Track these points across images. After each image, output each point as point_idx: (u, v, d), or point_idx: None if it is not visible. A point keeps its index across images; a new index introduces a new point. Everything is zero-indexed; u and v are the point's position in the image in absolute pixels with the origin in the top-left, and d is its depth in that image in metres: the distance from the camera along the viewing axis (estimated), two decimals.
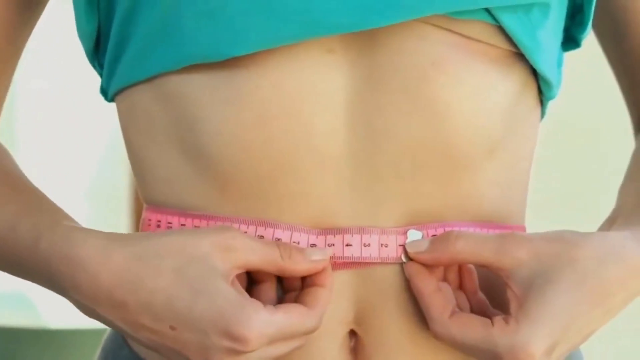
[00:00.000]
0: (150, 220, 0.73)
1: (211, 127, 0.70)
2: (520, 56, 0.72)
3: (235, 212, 0.70)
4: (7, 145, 0.81)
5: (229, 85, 0.69)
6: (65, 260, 0.68)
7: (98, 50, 0.77)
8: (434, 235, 0.70)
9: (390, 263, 0.70)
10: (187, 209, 0.72)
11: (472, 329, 0.67)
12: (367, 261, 0.70)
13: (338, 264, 0.70)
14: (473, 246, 0.68)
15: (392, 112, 0.69)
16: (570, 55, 0.82)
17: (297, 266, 0.68)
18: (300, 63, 0.68)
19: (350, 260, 0.70)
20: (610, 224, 0.77)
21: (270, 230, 0.69)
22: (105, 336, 0.82)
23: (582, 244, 0.68)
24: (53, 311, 2.58)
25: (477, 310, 0.72)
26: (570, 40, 0.79)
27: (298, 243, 0.69)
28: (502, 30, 0.70)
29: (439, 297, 0.69)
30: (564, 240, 0.68)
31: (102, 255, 0.67)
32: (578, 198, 2.28)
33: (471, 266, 0.72)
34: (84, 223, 0.73)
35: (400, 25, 0.68)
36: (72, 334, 2.45)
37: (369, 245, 0.70)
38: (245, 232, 0.69)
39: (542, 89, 0.76)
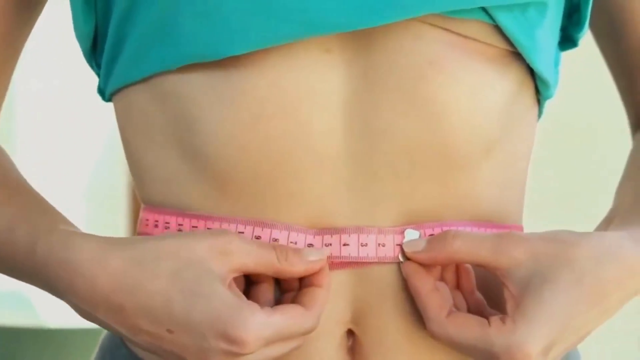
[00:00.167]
0: (147, 220, 0.73)
1: (208, 127, 0.70)
2: (517, 55, 0.72)
3: (232, 212, 0.70)
4: (5, 146, 0.81)
5: (226, 84, 0.69)
6: (63, 265, 0.68)
7: (95, 50, 0.77)
8: (432, 235, 0.70)
9: (388, 262, 0.70)
10: (185, 208, 0.72)
11: (469, 328, 0.67)
12: (365, 261, 0.70)
13: (335, 263, 0.70)
14: (470, 246, 0.68)
15: (389, 112, 0.69)
16: (567, 55, 0.82)
17: (294, 268, 0.68)
18: (297, 63, 0.68)
19: (347, 260, 0.70)
20: (607, 223, 0.77)
21: (267, 231, 0.69)
22: (102, 335, 0.82)
23: (579, 244, 0.68)
24: (51, 310, 2.58)
25: (474, 310, 0.72)
26: (567, 40, 0.79)
27: (295, 243, 0.69)
28: (498, 29, 0.70)
29: (436, 297, 0.69)
30: (561, 240, 0.68)
31: (99, 259, 0.67)
32: (575, 198, 2.28)
33: (468, 266, 0.72)
34: (82, 223, 0.74)
35: (397, 25, 0.68)
36: (70, 333, 2.45)
37: (366, 244, 0.70)
38: (242, 233, 0.69)
39: (539, 88, 0.76)
